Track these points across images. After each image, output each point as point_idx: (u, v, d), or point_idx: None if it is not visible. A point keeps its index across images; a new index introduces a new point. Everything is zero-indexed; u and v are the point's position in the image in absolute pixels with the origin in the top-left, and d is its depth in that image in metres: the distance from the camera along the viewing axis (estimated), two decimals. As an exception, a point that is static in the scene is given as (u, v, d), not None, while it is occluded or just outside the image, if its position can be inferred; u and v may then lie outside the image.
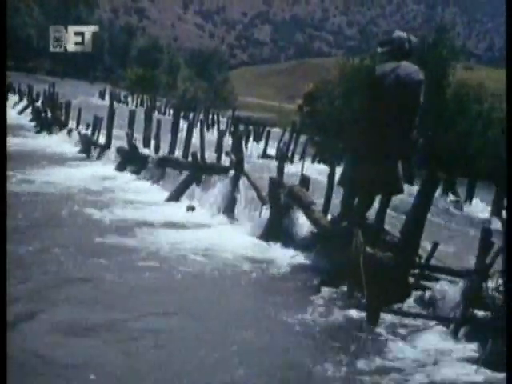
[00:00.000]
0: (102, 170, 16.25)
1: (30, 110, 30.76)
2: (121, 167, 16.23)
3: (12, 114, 29.88)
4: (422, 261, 7.87)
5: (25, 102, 34.13)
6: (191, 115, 28.00)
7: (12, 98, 36.68)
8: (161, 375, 5.33)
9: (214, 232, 10.66)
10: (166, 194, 13.27)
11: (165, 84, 66.53)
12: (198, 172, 13.19)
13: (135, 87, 62.05)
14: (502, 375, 5.60)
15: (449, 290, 7.17)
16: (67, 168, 16.36)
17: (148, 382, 5.22)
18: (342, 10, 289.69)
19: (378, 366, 5.92)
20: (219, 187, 12.17)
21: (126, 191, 13.81)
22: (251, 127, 29.39)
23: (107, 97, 53.49)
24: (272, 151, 25.06)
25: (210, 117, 35.29)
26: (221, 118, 36.06)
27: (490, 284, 6.80)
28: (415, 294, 7.61)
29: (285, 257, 9.40)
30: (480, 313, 6.74)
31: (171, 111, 33.81)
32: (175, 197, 12.95)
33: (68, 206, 11.53)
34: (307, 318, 6.99)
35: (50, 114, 25.37)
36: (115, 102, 30.16)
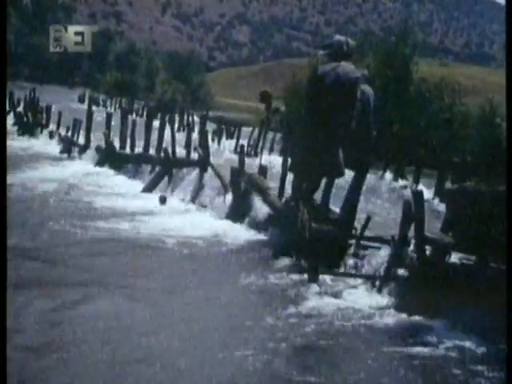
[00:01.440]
0: (82, 168, 17.58)
1: (11, 114, 31.89)
2: (100, 164, 17.54)
3: None
4: (358, 232, 9.25)
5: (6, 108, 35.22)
6: (165, 117, 29.15)
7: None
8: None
9: (184, 216, 12.02)
10: (142, 187, 14.61)
11: (143, 87, 67.76)
12: (169, 166, 14.53)
13: (114, 91, 63.21)
14: (415, 318, 7.08)
15: (377, 255, 8.54)
16: (50, 166, 17.66)
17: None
18: (320, 10, 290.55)
19: (311, 312, 7.26)
20: (188, 178, 13.54)
21: (105, 185, 15.11)
22: (223, 126, 30.97)
23: (87, 101, 54.55)
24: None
25: (186, 118, 36.78)
26: (197, 119, 37.51)
27: (410, 248, 8.16)
28: (350, 258, 8.96)
29: (245, 235, 10.78)
30: (401, 271, 8.09)
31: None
32: (149, 188, 14.29)
33: (53, 197, 12.86)
34: (255, 280, 8.34)
35: (31, 118, 26.57)
36: (94, 106, 31.34)
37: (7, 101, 35.96)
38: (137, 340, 6.06)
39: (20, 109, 29.74)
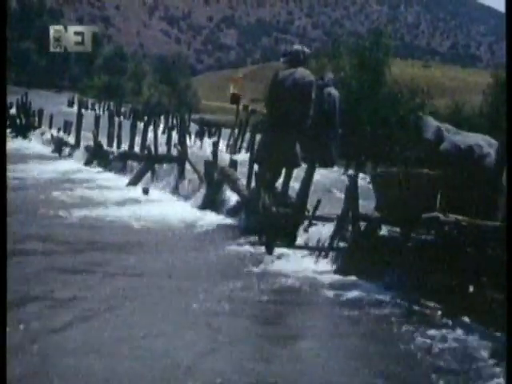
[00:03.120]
0: (73, 165, 19.27)
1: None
2: (89, 162, 19.17)
3: None
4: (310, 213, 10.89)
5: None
6: (151, 119, 30.81)
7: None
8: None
9: (165, 206, 13.70)
10: (127, 181, 16.27)
11: (130, 90, 69.36)
12: (151, 162, 16.18)
13: (102, 94, 64.81)
14: (350, 278, 8.71)
15: (323, 231, 10.16)
16: (43, 165, 19.28)
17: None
18: (307, 12, 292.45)
19: (266, 273, 8.90)
20: (168, 172, 15.21)
21: (94, 180, 16.74)
22: (205, 127, 32.94)
23: (76, 105, 56.11)
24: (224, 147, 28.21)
25: (171, 120, 38.57)
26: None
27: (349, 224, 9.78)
28: (302, 234, 10.61)
29: (216, 220, 12.45)
30: (342, 244, 9.70)
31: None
32: (134, 182, 15.92)
33: (46, 191, 14.51)
34: (225, 253, 9.99)
35: (24, 121, 28.22)
36: (83, 109, 32.86)
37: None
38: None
39: (13, 111, 31.27)
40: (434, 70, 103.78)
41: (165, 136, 18.56)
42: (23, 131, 27.26)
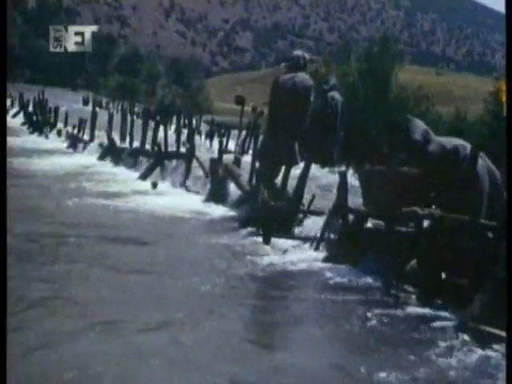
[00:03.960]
0: (86, 160, 20.29)
1: (21, 114, 34.54)
2: (102, 157, 20.16)
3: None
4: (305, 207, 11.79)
5: (16, 108, 37.84)
6: (165, 119, 31.79)
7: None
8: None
9: (172, 198, 14.69)
10: (138, 175, 17.25)
11: (144, 91, 70.48)
12: (161, 158, 17.13)
13: (116, 94, 65.89)
14: (338, 265, 9.54)
15: (315, 221, 11.06)
16: (59, 159, 20.28)
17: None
18: (323, 17, 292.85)
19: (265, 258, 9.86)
20: (177, 168, 16.17)
21: (107, 174, 17.74)
22: (214, 128, 34.00)
23: (91, 103, 57.14)
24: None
25: (183, 120, 39.64)
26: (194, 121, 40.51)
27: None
28: (298, 226, 11.51)
29: (220, 212, 13.38)
30: (332, 235, 10.58)
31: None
32: (144, 176, 16.89)
33: (63, 181, 15.53)
34: (226, 241, 10.87)
35: (40, 118, 29.27)
36: (98, 108, 33.87)
37: (17, 102, 38.67)
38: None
39: (30, 109, 32.40)
40: (446, 78, 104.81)
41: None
42: (39, 127, 28.29)
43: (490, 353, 6.46)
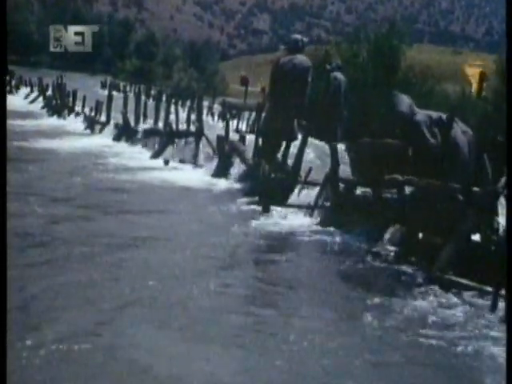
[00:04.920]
0: (103, 141, 21.41)
1: (40, 99, 35.70)
2: (117, 138, 21.27)
3: (25, 104, 35.26)
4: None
5: (35, 93, 39.02)
6: (178, 101, 32.87)
7: (23, 90, 41.85)
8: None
9: (183, 173, 15.87)
10: (151, 153, 18.37)
11: (160, 75, 71.50)
12: (172, 137, 18.22)
13: (133, 78, 67.00)
14: (329, 228, 10.56)
15: (311, 192, 12.06)
16: (78, 139, 21.44)
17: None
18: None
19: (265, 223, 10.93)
20: (187, 146, 17.25)
21: (122, 153, 18.83)
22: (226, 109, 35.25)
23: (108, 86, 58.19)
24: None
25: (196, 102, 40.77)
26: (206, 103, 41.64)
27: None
28: (296, 196, 12.53)
29: (226, 184, 14.45)
30: (326, 203, 11.59)
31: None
32: (157, 154, 17.96)
33: (83, 159, 16.81)
34: (231, 208, 11.97)
35: (59, 101, 30.46)
36: (115, 91, 34.95)
37: (36, 87, 39.82)
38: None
39: (49, 93, 33.59)
40: (462, 57, 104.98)
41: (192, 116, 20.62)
42: (58, 110, 29.45)
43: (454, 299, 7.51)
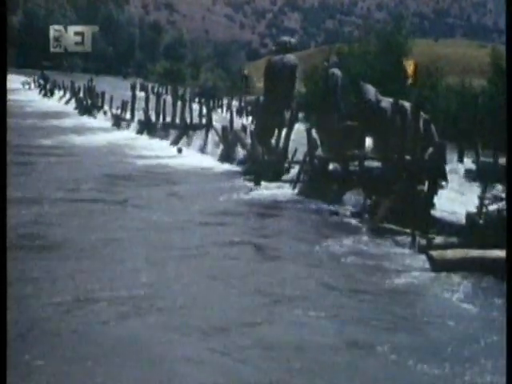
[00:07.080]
0: (128, 135, 24.25)
1: (73, 101, 38.46)
2: (140, 132, 23.92)
3: (60, 105, 38.40)
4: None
5: (68, 96, 41.77)
6: (203, 100, 35.23)
7: (57, 93, 45.01)
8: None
9: (193, 158, 18.59)
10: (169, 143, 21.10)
11: (189, 75, 73.57)
12: (186, 129, 20.80)
13: (163, 80, 69.28)
14: (309, 199, 12.96)
15: (295, 169, 14.42)
16: (106, 134, 24.41)
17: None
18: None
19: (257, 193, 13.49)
20: (198, 136, 19.82)
21: (144, 145, 21.47)
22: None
23: (137, 89, 60.84)
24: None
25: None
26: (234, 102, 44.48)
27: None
28: (285, 173, 14.91)
29: (229, 167, 17.04)
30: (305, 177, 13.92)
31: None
32: (174, 143, 20.63)
33: (110, 150, 19.79)
34: (231, 184, 14.48)
35: (89, 102, 33.23)
36: (144, 92, 37.48)
37: (69, 90, 42.64)
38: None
39: (81, 95, 36.43)
40: (487, 50, 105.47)
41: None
42: (89, 110, 32.25)
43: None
